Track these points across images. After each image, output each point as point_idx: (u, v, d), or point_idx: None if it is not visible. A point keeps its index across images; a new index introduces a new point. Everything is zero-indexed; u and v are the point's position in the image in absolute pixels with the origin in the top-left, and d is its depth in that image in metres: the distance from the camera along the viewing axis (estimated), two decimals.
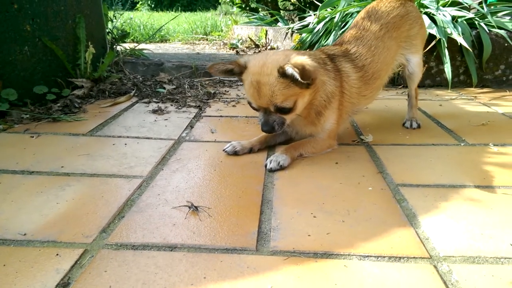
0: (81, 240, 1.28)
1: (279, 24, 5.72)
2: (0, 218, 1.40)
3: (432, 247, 1.25)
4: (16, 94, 2.50)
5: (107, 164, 1.85)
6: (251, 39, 5.75)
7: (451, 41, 3.14)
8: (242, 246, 1.26)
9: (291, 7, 6.38)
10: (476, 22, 3.32)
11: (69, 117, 2.50)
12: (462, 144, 2.11)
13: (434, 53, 3.30)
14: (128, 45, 4.26)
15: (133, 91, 3.12)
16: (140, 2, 22.13)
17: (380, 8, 2.21)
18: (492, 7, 3.60)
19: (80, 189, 1.62)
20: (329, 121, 1.99)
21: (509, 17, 3.50)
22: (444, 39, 3.09)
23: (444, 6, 3.39)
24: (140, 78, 3.45)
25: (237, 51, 5.35)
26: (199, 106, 2.87)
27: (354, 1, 3.53)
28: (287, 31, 4.55)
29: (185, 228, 1.35)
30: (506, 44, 3.28)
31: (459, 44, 3.11)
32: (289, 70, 1.67)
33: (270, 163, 1.81)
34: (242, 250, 1.24)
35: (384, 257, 1.20)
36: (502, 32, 3.22)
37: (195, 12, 13.55)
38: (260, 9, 6.90)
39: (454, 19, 3.25)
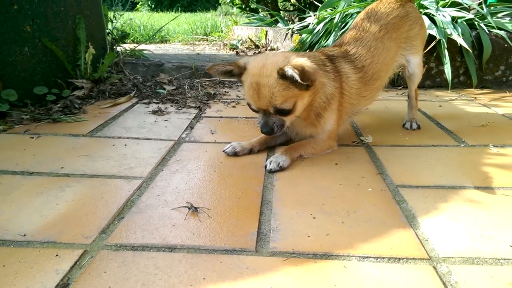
0: (81, 241, 1.29)
1: (279, 24, 5.72)
2: (0, 219, 1.40)
3: (431, 248, 1.25)
4: (16, 95, 2.50)
5: (107, 165, 1.85)
6: (251, 40, 5.75)
7: (451, 42, 3.15)
8: (241, 247, 1.26)
9: (291, 8, 6.39)
10: (476, 23, 3.33)
11: (69, 118, 2.50)
12: (462, 145, 2.11)
13: (434, 54, 3.30)
14: (128, 46, 4.27)
15: (133, 92, 3.12)
16: (140, 3, 22.14)
17: (380, 9, 2.22)
18: (492, 7, 3.60)
19: (80, 190, 1.62)
20: (329, 122, 1.99)
21: (509, 18, 3.50)
22: (444, 40, 3.09)
23: (444, 6, 3.39)
24: (140, 79, 3.45)
25: (237, 52, 5.35)
26: (199, 107, 2.87)
27: (354, 2, 3.54)
28: (287, 32, 4.55)
29: (184, 229, 1.35)
30: (506, 45, 3.28)
31: (459, 45, 3.11)
32: (289, 71, 1.67)
33: (270, 164, 1.82)
34: (241, 251, 1.24)
35: (383, 258, 1.20)
36: (502, 33, 3.22)
37: (195, 13, 13.56)
38: (260, 10, 6.90)
39: (454, 19, 3.25)
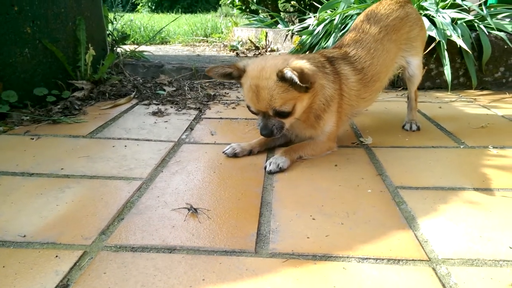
0: (81, 242, 1.29)
1: (279, 26, 5.73)
2: (0, 220, 1.41)
3: (431, 250, 1.25)
4: (16, 96, 2.50)
5: (107, 166, 1.86)
6: (251, 41, 5.76)
7: (451, 43, 3.15)
8: (241, 248, 1.26)
9: (291, 9, 6.39)
10: (476, 24, 3.33)
11: (69, 119, 2.51)
12: (461, 147, 2.11)
13: (434, 55, 3.31)
14: (128, 47, 4.27)
15: (133, 93, 3.13)
16: (141, 4, 22.17)
17: (380, 11, 2.22)
18: (491, 9, 3.60)
19: (79, 191, 1.62)
20: (329, 124, 1.99)
21: (508, 19, 3.51)
22: (443, 41, 3.10)
23: (443, 8, 3.40)
24: (140, 80, 3.45)
25: (237, 53, 5.36)
26: (199, 108, 2.88)
27: (353, 3, 3.54)
28: (287, 33, 4.56)
29: (184, 230, 1.35)
30: (505, 46, 3.29)
31: (458, 46, 3.11)
32: (288, 73, 1.67)
33: (270, 165, 1.82)
34: (241, 252, 1.24)
35: (383, 259, 1.21)
36: (501, 34, 3.22)
37: (195, 14, 13.58)
38: (260, 11, 6.91)
39: (453, 21, 3.26)
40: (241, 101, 3.09)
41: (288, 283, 1.11)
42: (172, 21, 6.16)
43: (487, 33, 3.28)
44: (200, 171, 1.82)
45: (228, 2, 7.58)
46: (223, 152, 2.00)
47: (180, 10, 17.14)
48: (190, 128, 2.44)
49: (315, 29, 3.75)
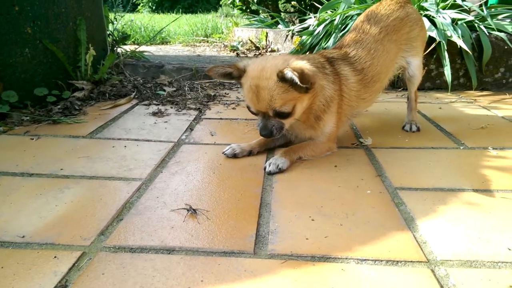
0: (79, 242, 1.29)
1: (279, 26, 5.73)
2: None
3: (429, 251, 1.25)
4: (17, 96, 2.51)
5: (106, 167, 1.86)
6: (251, 41, 5.76)
7: (451, 44, 3.15)
8: (240, 249, 1.26)
9: (292, 9, 6.39)
10: (476, 25, 3.33)
11: (69, 119, 2.51)
12: (461, 148, 2.11)
13: (434, 56, 3.31)
14: (128, 47, 4.28)
15: (133, 93, 3.13)
16: (141, 4, 22.17)
17: (380, 11, 2.22)
18: (492, 9, 3.60)
19: (79, 191, 1.63)
20: (328, 124, 1.99)
21: (509, 20, 3.50)
22: (444, 41, 3.09)
23: (444, 8, 3.39)
24: (141, 80, 3.46)
25: (237, 53, 5.36)
26: (199, 108, 2.88)
27: (354, 4, 3.54)
28: (287, 33, 4.56)
29: (183, 231, 1.35)
30: (506, 47, 3.28)
31: (459, 46, 3.11)
32: (288, 74, 1.67)
33: (269, 166, 1.82)
34: (240, 253, 1.24)
35: (381, 260, 1.20)
36: (502, 35, 3.22)
37: (196, 14, 13.57)
38: (260, 11, 6.91)
39: (454, 21, 3.25)
40: (241, 101, 3.09)
41: (287, 284, 1.11)
42: (173, 21, 6.17)
43: (488, 34, 3.28)
44: (199, 172, 1.82)
45: (229, 2, 7.58)
46: (222, 153, 2.00)
47: (180, 10, 17.14)
48: (190, 128, 2.44)
49: (315, 30, 3.75)
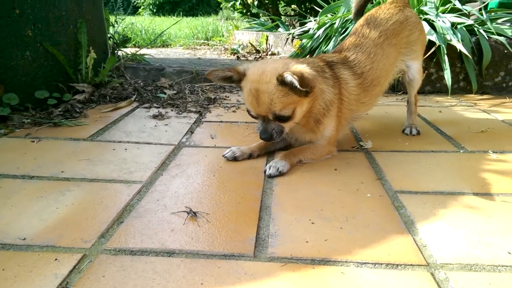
0: (80, 245, 1.29)
1: (279, 29, 5.75)
2: (0, 223, 1.41)
3: (429, 255, 1.25)
4: (18, 99, 2.51)
5: (107, 169, 1.86)
6: (252, 45, 5.77)
7: (451, 48, 3.16)
8: (240, 252, 1.26)
9: (292, 13, 6.41)
10: (476, 29, 3.34)
11: (70, 122, 2.52)
12: (461, 151, 2.11)
13: (434, 60, 3.31)
14: (129, 50, 4.29)
15: (134, 96, 3.14)
16: (142, 7, 22.22)
17: (379, 15, 2.23)
18: (492, 13, 3.61)
19: (80, 194, 1.63)
20: (328, 128, 1.99)
21: (508, 24, 3.51)
22: (443, 45, 3.10)
23: (443, 12, 3.41)
24: (141, 83, 3.46)
25: (238, 56, 5.37)
26: (199, 111, 2.88)
27: None
28: (287, 37, 4.57)
29: (183, 233, 1.36)
30: (505, 51, 3.29)
31: (458, 50, 3.12)
32: (288, 77, 1.68)
33: (269, 169, 1.82)
34: (240, 256, 1.24)
35: (381, 264, 1.21)
36: (501, 38, 3.23)
37: (196, 17, 13.60)
38: (261, 15, 6.93)
39: (453, 25, 3.26)
40: (242, 104, 3.09)
41: (287, 287, 1.11)
42: (173, 24, 6.18)
43: (487, 38, 3.29)
44: (200, 175, 1.83)
45: (229, 5, 7.60)
46: (223, 156, 2.00)
47: (181, 13, 17.19)
48: (191, 131, 2.45)
49: (315, 33, 3.76)
